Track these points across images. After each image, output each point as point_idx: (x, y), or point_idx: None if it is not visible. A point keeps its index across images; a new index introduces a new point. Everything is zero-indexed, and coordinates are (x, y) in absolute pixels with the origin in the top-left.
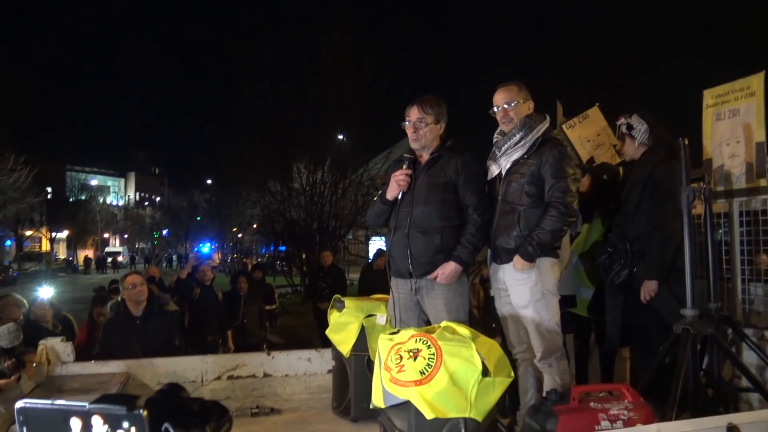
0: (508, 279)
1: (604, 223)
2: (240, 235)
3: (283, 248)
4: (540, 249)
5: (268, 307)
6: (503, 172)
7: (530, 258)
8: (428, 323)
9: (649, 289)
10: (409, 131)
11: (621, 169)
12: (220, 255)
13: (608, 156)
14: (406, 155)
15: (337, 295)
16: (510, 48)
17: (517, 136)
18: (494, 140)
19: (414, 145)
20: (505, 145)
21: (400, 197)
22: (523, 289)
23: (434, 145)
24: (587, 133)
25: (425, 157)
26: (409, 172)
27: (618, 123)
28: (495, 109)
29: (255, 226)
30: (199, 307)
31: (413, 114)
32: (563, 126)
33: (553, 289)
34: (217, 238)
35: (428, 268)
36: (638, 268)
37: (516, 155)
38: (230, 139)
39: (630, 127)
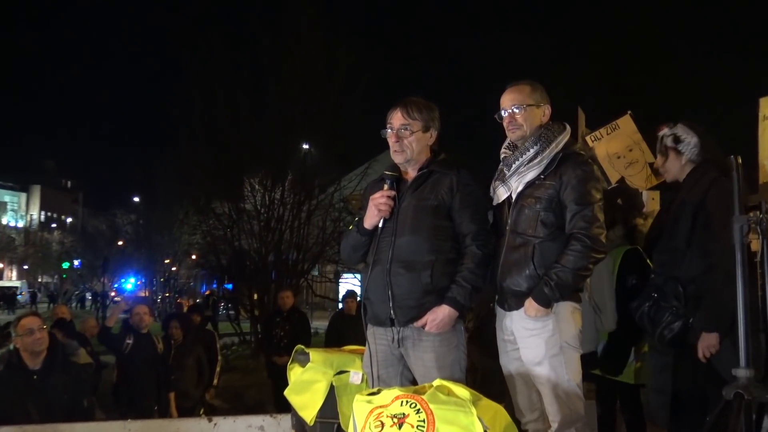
0: (518, 329)
1: (616, 257)
2: (174, 269)
3: (230, 286)
4: (559, 291)
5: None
6: (513, 196)
7: (546, 302)
8: (414, 383)
9: (708, 344)
10: (391, 140)
11: (644, 193)
12: (148, 293)
13: (642, 177)
14: (387, 172)
15: (299, 346)
16: (522, 48)
17: (531, 151)
18: (501, 156)
19: (397, 158)
20: (516, 162)
21: (381, 225)
22: (537, 341)
23: (422, 158)
24: (617, 148)
25: (411, 173)
26: (392, 193)
27: (660, 134)
28: (502, 113)
29: (194, 257)
30: (132, 363)
31: (396, 119)
32: (587, 138)
33: (574, 341)
34: (144, 272)
35: (415, 313)
36: (695, 318)
37: (530, 175)
38: (164, 147)
39: (677, 140)
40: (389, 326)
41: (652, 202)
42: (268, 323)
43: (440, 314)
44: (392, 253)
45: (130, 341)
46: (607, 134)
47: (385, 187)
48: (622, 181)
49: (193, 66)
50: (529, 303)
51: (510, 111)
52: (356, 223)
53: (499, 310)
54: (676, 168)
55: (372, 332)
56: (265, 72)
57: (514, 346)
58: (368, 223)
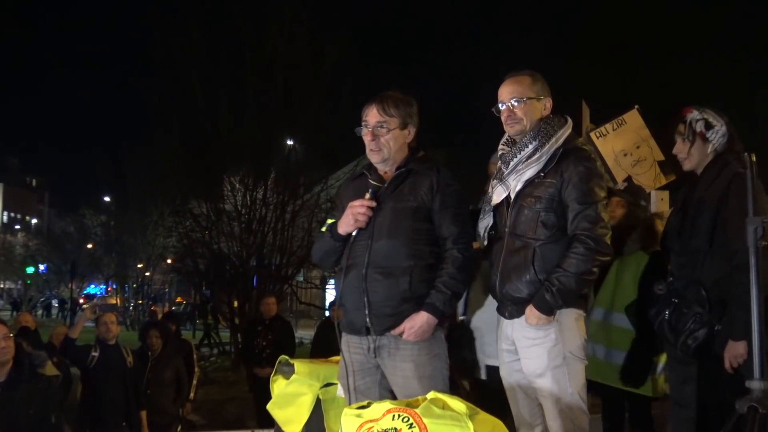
0: (519, 338)
1: (639, 262)
2: (148, 274)
3: (208, 292)
4: (562, 297)
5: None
6: (512, 195)
7: (548, 309)
8: (393, 395)
9: (735, 353)
10: (367, 139)
11: (652, 193)
12: (119, 300)
13: (650, 176)
14: (372, 182)
15: (283, 357)
16: (522, 35)
17: (530, 147)
18: (499, 153)
19: (373, 158)
20: (515, 160)
21: (375, 214)
22: (539, 351)
23: (400, 157)
24: (623, 145)
25: (389, 173)
26: (373, 204)
27: (689, 117)
28: (499, 106)
29: (169, 261)
30: (98, 378)
31: (371, 116)
32: (591, 134)
33: (579, 351)
34: (115, 277)
35: (392, 321)
36: (721, 325)
37: (529, 173)
38: (138, 142)
39: (708, 126)
40: (365, 335)
41: (661, 203)
42: (249, 332)
43: (418, 321)
44: (369, 257)
45: (95, 354)
46: (613, 130)
47: (367, 196)
48: (629, 180)
49: (169, 57)
50: (530, 310)
51: (509, 104)
52: (330, 226)
53: (499, 319)
54: (699, 157)
55: (346, 341)
56: (246, 64)
57: (514, 357)
58: (343, 229)
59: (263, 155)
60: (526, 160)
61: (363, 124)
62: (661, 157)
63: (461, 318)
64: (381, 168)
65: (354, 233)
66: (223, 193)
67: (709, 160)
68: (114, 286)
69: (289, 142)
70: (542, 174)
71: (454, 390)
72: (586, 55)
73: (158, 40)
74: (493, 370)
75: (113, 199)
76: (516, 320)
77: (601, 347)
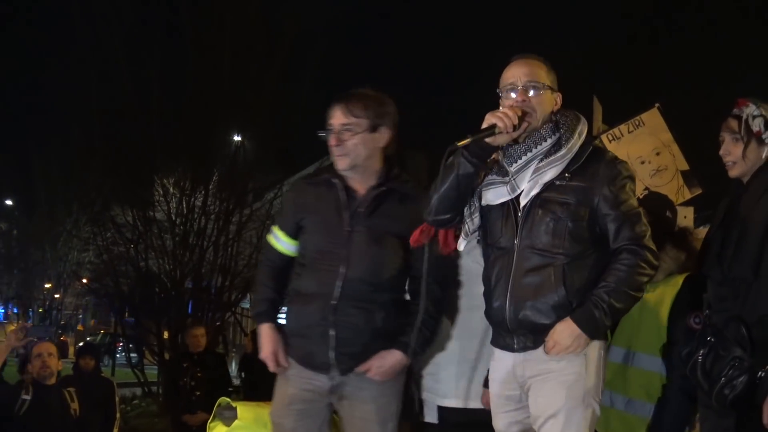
0: (534, 370)
1: (671, 290)
2: (58, 296)
3: (131, 320)
4: (612, 317)
5: None
6: (524, 200)
7: (594, 330)
8: None
9: None
10: (331, 143)
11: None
12: (19, 326)
13: (673, 188)
14: (335, 185)
15: (223, 399)
16: (525, 19)
17: (549, 141)
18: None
19: (339, 165)
20: (528, 155)
21: (324, 249)
22: (555, 386)
23: (373, 166)
24: (641, 150)
25: (360, 188)
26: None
27: (746, 112)
28: (507, 89)
29: (85, 280)
30: (33, 428)
31: (336, 117)
32: (603, 137)
33: (598, 394)
34: (17, 299)
35: (361, 359)
36: (765, 372)
37: (551, 173)
38: (48, 136)
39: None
40: (324, 372)
41: (684, 221)
42: (173, 371)
43: (389, 361)
44: (342, 288)
45: (27, 397)
46: (629, 132)
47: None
48: (646, 191)
49: (87, 28)
50: (561, 333)
51: (522, 86)
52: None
53: (500, 355)
54: (753, 162)
55: (296, 374)
56: (183, 40)
57: (518, 405)
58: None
59: (204, 153)
60: (546, 157)
61: (327, 127)
62: (686, 167)
63: None
64: (349, 176)
65: (321, 252)
66: (153, 198)
67: (757, 168)
68: (15, 311)
69: (236, 138)
70: (567, 175)
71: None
72: (600, 40)
73: (76, 6)
74: (450, 412)
75: (17, 203)
76: (530, 354)
77: (619, 396)
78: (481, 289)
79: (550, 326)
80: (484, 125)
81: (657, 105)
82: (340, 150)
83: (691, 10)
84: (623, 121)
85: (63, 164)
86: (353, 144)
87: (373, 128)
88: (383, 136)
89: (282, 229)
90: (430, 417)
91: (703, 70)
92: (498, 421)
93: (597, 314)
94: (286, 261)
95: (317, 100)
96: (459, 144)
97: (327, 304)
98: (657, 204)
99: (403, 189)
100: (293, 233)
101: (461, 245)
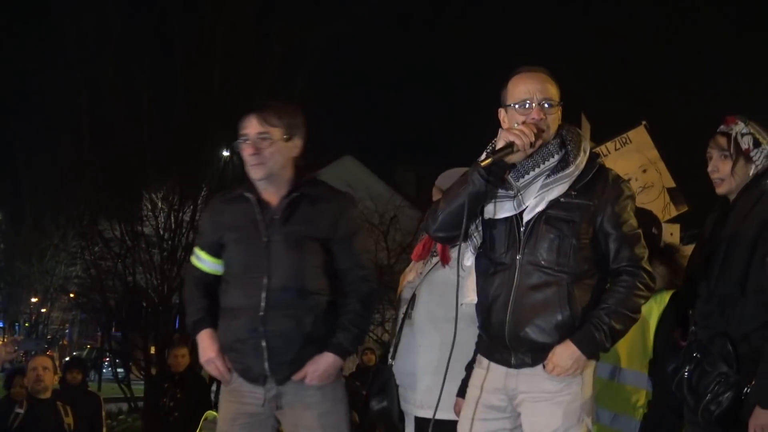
0: (527, 387)
1: (658, 305)
2: (44, 310)
3: (119, 334)
4: (611, 340)
5: None
6: (528, 216)
7: (593, 352)
8: None
9: (761, 423)
10: (247, 153)
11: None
12: (9, 339)
13: (659, 206)
14: (248, 198)
15: (210, 413)
16: (514, 31)
17: (556, 157)
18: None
19: (256, 174)
20: (536, 170)
21: (243, 261)
22: (552, 408)
23: (286, 175)
24: (628, 167)
25: (273, 197)
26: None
27: (735, 130)
28: (520, 105)
29: (72, 295)
30: None
31: (251, 128)
32: None
33: (592, 412)
34: (4, 313)
35: (295, 367)
36: (751, 388)
37: (557, 190)
38: (36, 148)
39: (756, 143)
40: (261, 384)
41: (670, 238)
42: (153, 391)
43: (323, 364)
44: (267, 298)
45: (20, 410)
46: (616, 150)
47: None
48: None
49: (77, 40)
50: (560, 356)
51: (539, 104)
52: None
53: (492, 368)
54: (741, 179)
55: (238, 388)
56: (173, 51)
57: (501, 415)
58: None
59: (192, 168)
60: (553, 173)
61: (241, 138)
62: (672, 184)
63: (390, 362)
64: (263, 187)
65: (240, 265)
66: (141, 213)
67: (744, 185)
68: (0, 325)
69: (225, 153)
70: (573, 192)
71: None
72: (588, 58)
73: (64, 17)
74: (427, 423)
75: (4, 216)
76: (526, 370)
77: (606, 412)
78: (456, 300)
79: (551, 345)
80: (500, 144)
81: (644, 122)
82: (257, 159)
83: (678, 28)
84: (610, 138)
85: (51, 177)
86: (270, 153)
87: (288, 137)
88: (296, 145)
89: (203, 249)
90: (409, 429)
91: (689, 88)
92: (467, 426)
93: (598, 336)
94: (212, 278)
95: (306, 115)
96: (483, 164)
97: (255, 315)
98: (643, 221)
99: (314, 192)
100: (215, 252)
101: (468, 261)
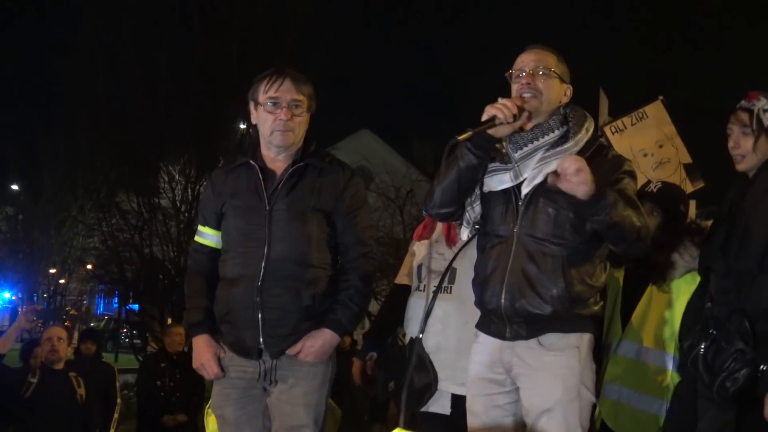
0: (525, 362)
1: (689, 287)
2: (63, 281)
3: (135, 306)
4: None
5: None
6: (526, 188)
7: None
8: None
9: None
10: (285, 116)
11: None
12: (29, 308)
13: (676, 180)
14: (252, 165)
15: None
16: (532, 9)
17: (557, 132)
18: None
19: (284, 139)
20: (534, 143)
21: (245, 232)
22: (551, 380)
23: (299, 145)
24: (643, 143)
25: (280, 167)
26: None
27: (758, 105)
28: (515, 74)
29: (90, 266)
30: (35, 414)
31: (287, 91)
32: (606, 129)
33: (592, 385)
34: (22, 284)
35: (290, 342)
36: (767, 365)
37: (556, 164)
38: (54, 121)
39: None
40: (255, 358)
41: None
42: (149, 371)
43: (320, 340)
44: (265, 268)
45: (33, 380)
46: (632, 125)
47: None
48: (647, 185)
49: (95, 14)
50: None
51: (530, 70)
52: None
53: (486, 338)
54: (763, 155)
55: (230, 363)
56: (191, 26)
57: (500, 389)
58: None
59: (210, 140)
60: (552, 148)
61: (271, 100)
62: (688, 160)
63: (413, 336)
64: (273, 155)
65: (243, 235)
66: (158, 185)
67: (765, 161)
68: (19, 295)
69: (242, 126)
70: None
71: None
72: (606, 31)
73: None
74: (464, 401)
75: (22, 188)
76: (524, 342)
77: (630, 391)
78: None
79: (546, 317)
80: (484, 117)
81: (660, 97)
82: (290, 125)
83: (698, 5)
84: (627, 113)
85: (69, 150)
86: (299, 121)
87: (310, 109)
88: (310, 116)
89: (206, 224)
90: (440, 408)
91: (709, 65)
92: (475, 403)
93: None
94: (215, 259)
95: (324, 88)
96: (460, 138)
97: (253, 286)
98: (672, 197)
99: (321, 164)
100: (217, 224)
101: (464, 234)
